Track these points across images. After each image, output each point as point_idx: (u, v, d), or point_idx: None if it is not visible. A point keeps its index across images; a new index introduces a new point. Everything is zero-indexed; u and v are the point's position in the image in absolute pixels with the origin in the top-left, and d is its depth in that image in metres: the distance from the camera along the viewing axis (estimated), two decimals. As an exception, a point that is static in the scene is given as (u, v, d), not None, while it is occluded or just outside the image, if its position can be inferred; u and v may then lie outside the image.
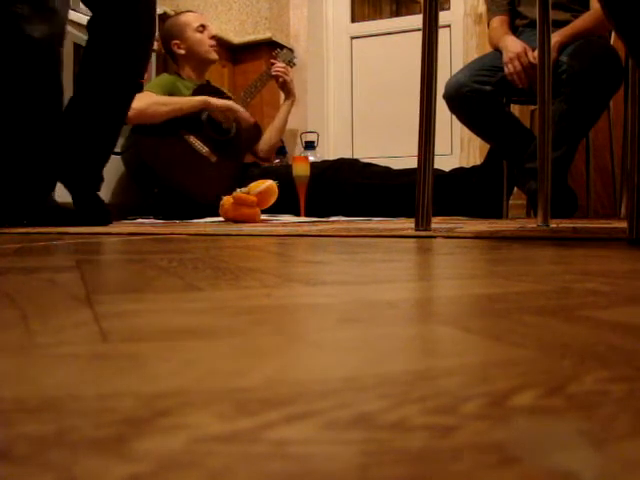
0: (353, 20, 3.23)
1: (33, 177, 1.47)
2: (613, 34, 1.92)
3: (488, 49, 2.14)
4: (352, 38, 3.21)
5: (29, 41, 1.38)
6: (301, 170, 2.19)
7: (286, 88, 2.51)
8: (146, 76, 2.29)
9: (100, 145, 1.54)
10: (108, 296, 0.33)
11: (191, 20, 2.36)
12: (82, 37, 1.72)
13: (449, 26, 2.93)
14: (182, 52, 2.33)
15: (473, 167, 2.27)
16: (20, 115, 1.42)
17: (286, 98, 2.54)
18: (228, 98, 2.34)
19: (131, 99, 1.59)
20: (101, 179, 1.57)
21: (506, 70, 1.92)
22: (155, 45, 2.37)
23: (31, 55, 1.40)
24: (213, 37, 2.38)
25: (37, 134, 1.45)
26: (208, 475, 0.10)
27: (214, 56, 2.39)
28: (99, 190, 1.56)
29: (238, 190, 1.75)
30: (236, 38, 2.95)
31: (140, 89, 1.61)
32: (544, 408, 0.14)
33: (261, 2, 3.02)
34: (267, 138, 2.52)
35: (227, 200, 1.76)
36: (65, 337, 0.22)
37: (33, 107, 1.43)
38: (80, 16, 1.90)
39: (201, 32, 2.35)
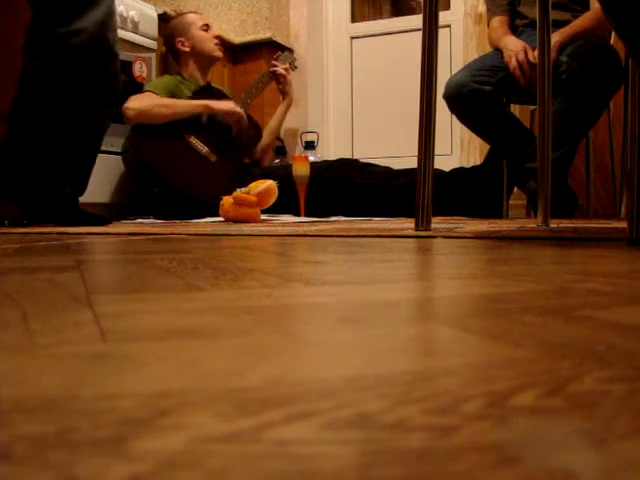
0: (353, 20, 3.23)
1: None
2: (613, 34, 1.92)
3: (488, 49, 2.14)
4: (352, 38, 3.21)
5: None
6: (301, 170, 2.19)
7: (284, 90, 2.52)
8: (145, 76, 2.29)
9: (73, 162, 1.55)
10: (108, 296, 0.33)
11: (195, 19, 2.38)
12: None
13: (449, 26, 2.93)
14: (186, 49, 2.34)
15: (473, 167, 2.27)
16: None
17: (283, 99, 2.55)
18: (229, 99, 2.34)
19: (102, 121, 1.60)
20: (81, 190, 1.58)
21: (511, 67, 1.91)
22: (155, 45, 2.39)
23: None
24: (217, 37, 2.40)
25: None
26: (208, 475, 0.10)
27: (218, 53, 2.40)
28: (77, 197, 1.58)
29: (238, 190, 1.76)
30: (236, 38, 2.95)
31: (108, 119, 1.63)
32: (544, 408, 0.14)
33: (261, 2, 3.02)
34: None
35: (227, 200, 1.76)
36: (65, 337, 0.22)
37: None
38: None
39: (205, 31, 2.37)
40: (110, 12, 1.50)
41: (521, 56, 1.89)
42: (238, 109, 2.26)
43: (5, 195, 1.48)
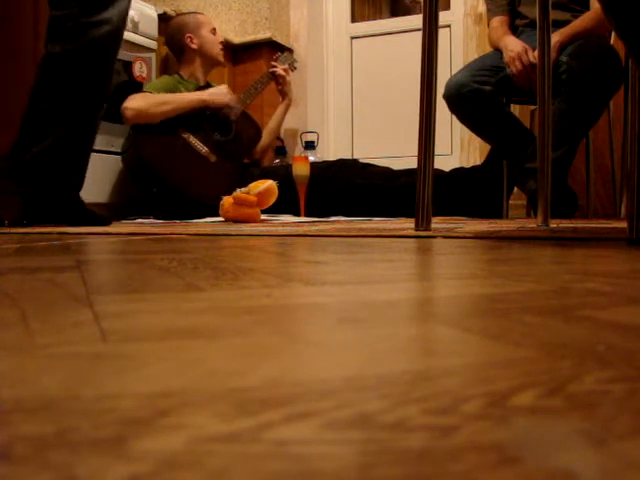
0: (353, 20, 3.23)
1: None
2: (613, 34, 1.92)
3: (488, 49, 2.14)
4: (352, 38, 3.21)
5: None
6: (301, 170, 2.19)
7: (283, 91, 2.52)
8: (145, 76, 2.29)
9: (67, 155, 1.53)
10: (108, 296, 0.33)
11: (206, 21, 2.41)
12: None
13: (449, 26, 2.93)
14: (194, 47, 2.35)
15: (473, 167, 2.27)
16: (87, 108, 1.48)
17: (282, 100, 2.55)
18: None
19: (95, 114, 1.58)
20: (77, 186, 1.57)
21: (509, 71, 1.91)
22: (155, 45, 2.39)
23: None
24: (221, 42, 2.42)
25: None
26: (208, 475, 0.10)
27: (222, 59, 2.44)
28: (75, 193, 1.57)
29: (238, 190, 1.76)
30: (236, 38, 2.95)
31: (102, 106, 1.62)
32: (544, 408, 0.14)
33: (261, 2, 3.02)
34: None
35: (227, 200, 1.76)
36: (65, 337, 0.22)
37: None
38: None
39: (213, 34, 2.39)
40: (129, 5, 1.51)
41: (524, 58, 1.89)
42: (231, 95, 2.28)
43: (8, 181, 1.47)
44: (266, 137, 2.54)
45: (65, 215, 1.49)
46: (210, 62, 2.41)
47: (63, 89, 1.45)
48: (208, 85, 2.42)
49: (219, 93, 2.29)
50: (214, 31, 2.42)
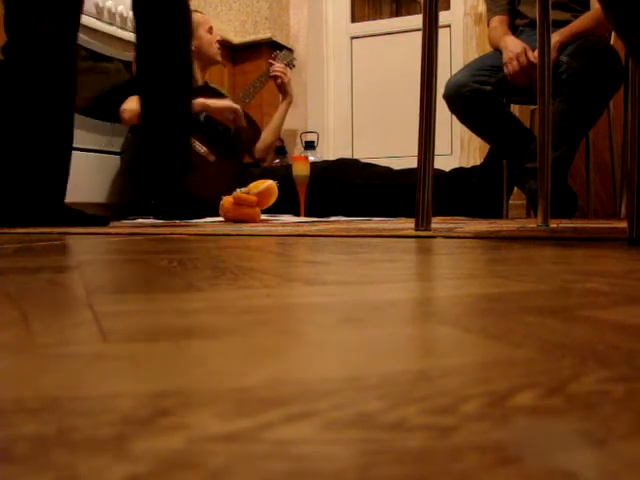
0: (353, 20, 3.23)
1: (42, 178, 1.47)
2: (613, 34, 1.92)
3: (488, 49, 2.14)
4: (352, 38, 3.21)
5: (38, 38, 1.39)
6: (301, 170, 2.19)
7: (283, 89, 2.52)
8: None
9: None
10: (108, 296, 0.33)
11: (203, 21, 2.40)
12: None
13: (449, 26, 2.93)
14: (192, 48, 2.34)
15: (473, 167, 2.27)
16: (32, 114, 1.43)
17: (283, 98, 2.55)
18: (225, 99, 2.34)
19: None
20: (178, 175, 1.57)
21: (506, 70, 1.92)
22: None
23: (41, 53, 1.41)
24: (218, 41, 2.41)
25: (47, 133, 1.45)
26: (208, 475, 0.10)
27: (219, 58, 2.43)
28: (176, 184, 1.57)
29: (238, 190, 1.75)
30: (236, 38, 2.95)
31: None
32: (544, 408, 0.14)
33: (261, 2, 3.02)
34: (262, 137, 2.53)
35: (227, 200, 1.76)
36: (65, 337, 0.22)
37: (44, 106, 1.44)
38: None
39: (210, 34, 2.38)
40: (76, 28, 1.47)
41: (522, 59, 1.89)
42: (235, 105, 2.26)
43: None
44: (270, 136, 2.54)
45: (53, 221, 1.47)
46: (206, 62, 2.41)
47: None
48: (206, 85, 2.42)
49: (222, 102, 2.27)
50: (211, 30, 2.40)
